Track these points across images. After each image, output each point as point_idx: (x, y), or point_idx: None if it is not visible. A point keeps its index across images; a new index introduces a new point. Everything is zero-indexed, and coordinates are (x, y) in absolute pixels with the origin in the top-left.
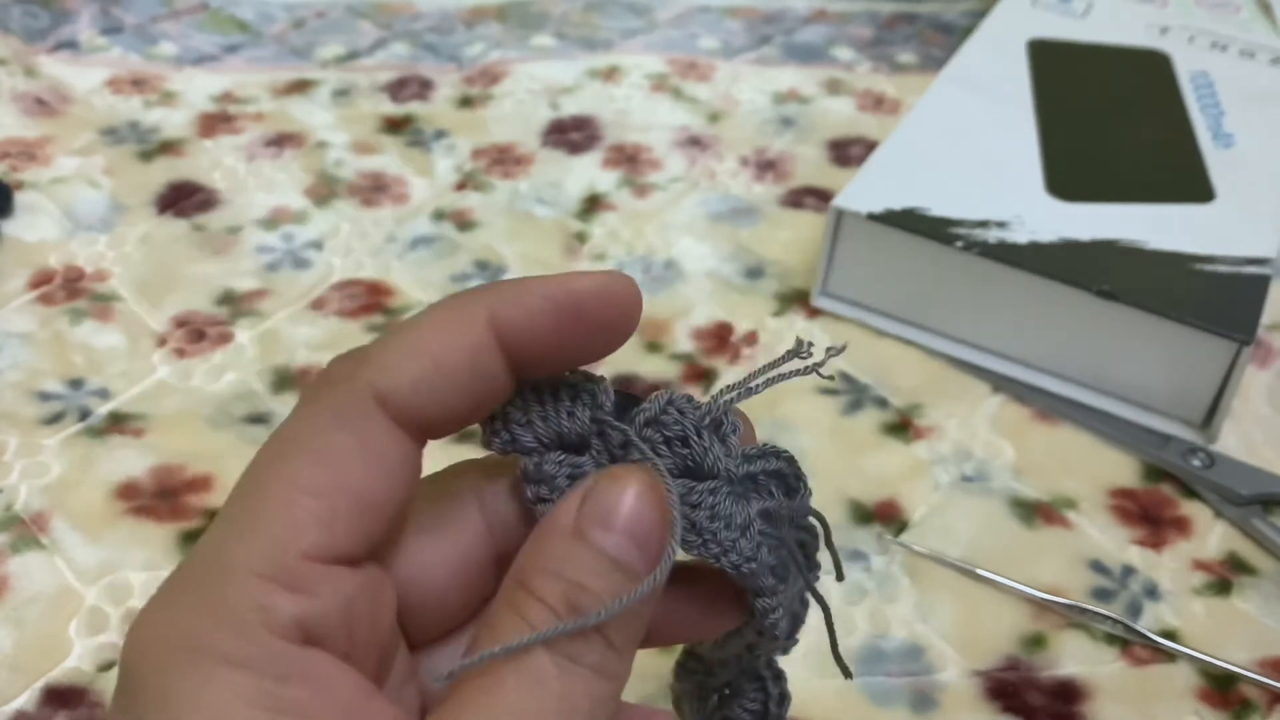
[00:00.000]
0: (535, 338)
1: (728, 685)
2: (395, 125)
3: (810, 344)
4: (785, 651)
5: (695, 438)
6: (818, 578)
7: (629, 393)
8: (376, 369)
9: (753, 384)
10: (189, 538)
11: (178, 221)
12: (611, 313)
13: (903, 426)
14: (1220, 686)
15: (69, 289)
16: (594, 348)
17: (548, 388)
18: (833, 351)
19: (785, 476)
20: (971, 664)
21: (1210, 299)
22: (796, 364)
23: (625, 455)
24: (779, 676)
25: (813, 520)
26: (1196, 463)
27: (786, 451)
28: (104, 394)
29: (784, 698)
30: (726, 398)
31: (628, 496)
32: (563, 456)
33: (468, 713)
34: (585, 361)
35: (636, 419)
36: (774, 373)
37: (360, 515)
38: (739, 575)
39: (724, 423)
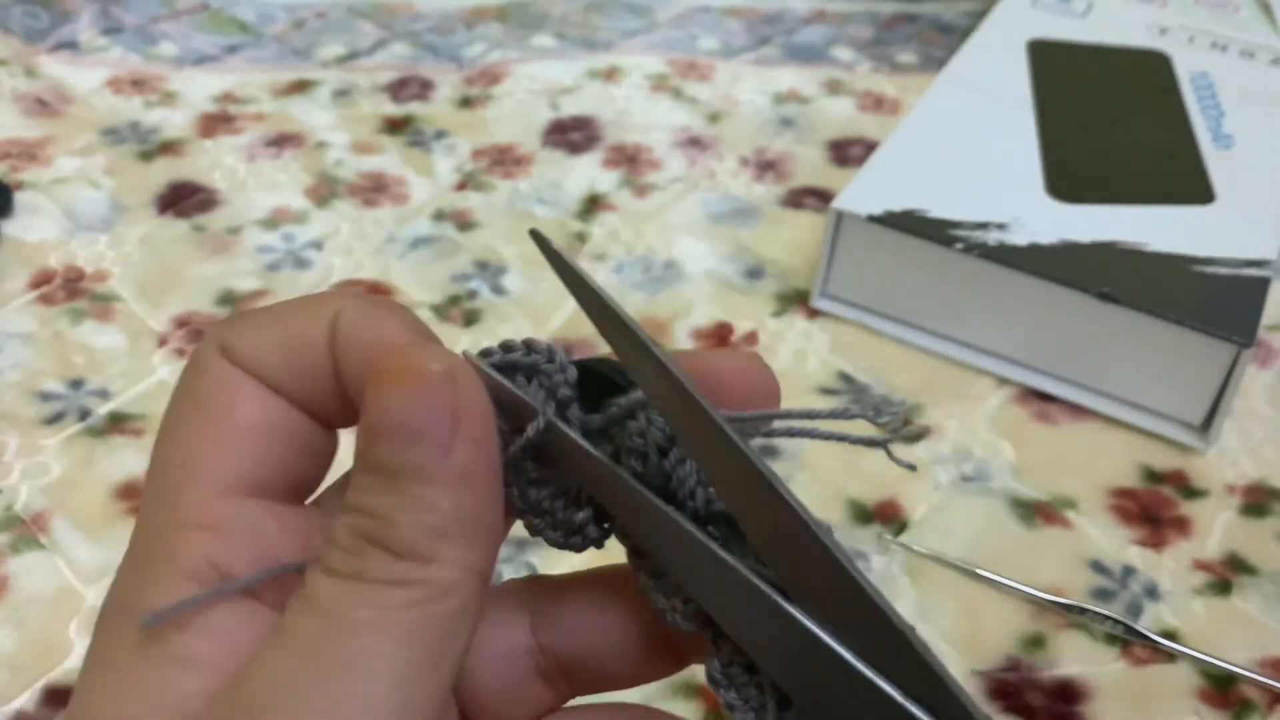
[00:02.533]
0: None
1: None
2: (395, 125)
3: (894, 408)
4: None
5: (655, 456)
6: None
7: (600, 363)
8: (227, 331)
9: (778, 425)
10: None
11: (178, 222)
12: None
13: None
14: (1220, 686)
15: (69, 289)
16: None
17: (506, 371)
18: (909, 430)
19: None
20: (971, 664)
21: (1210, 301)
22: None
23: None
24: None
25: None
26: None
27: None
28: (104, 394)
29: None
30: (725, 416)
31: (383, 394)
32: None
33: (261, 657)
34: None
35: (606, 415)
36: (814, 424)
37: (243, 442)
38: (667, 624)
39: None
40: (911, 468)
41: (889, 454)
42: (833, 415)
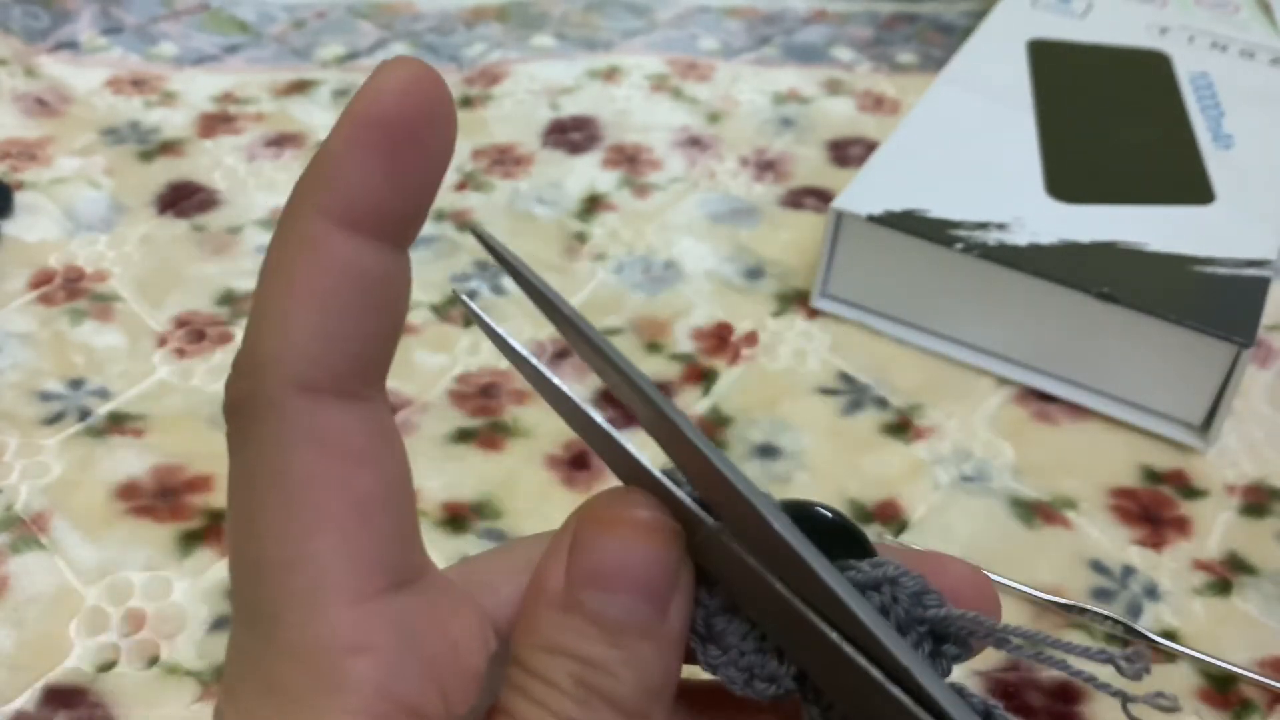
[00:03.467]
0: (375, 198)
1: None
2: None
3: (1144, 661)
4: None
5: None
6: None
7: (855, 531)
8: (273, 361)
9: (1016, 640)
10: (189, 538)
11: (178, 221)
12: (420, 107)
13: (902, 427)
14: (1220, 686)
15: (69, 289)
16: (435, 157)
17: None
18: (1161, 700)
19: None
20: (971, 664)
21: (1210, 301)
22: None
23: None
24: None
25: None
26: None
27: (990, 705)
28: (104, 394)
29: None
30: (967, 616)
31: (620, 550)
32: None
33: None
34: (442, 172)
35: (845, 572)
36: (1061, 655)
37: (371, 520)
38: None
39: (947, 641)
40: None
41: (1126, 712)
42: (1084, 653)
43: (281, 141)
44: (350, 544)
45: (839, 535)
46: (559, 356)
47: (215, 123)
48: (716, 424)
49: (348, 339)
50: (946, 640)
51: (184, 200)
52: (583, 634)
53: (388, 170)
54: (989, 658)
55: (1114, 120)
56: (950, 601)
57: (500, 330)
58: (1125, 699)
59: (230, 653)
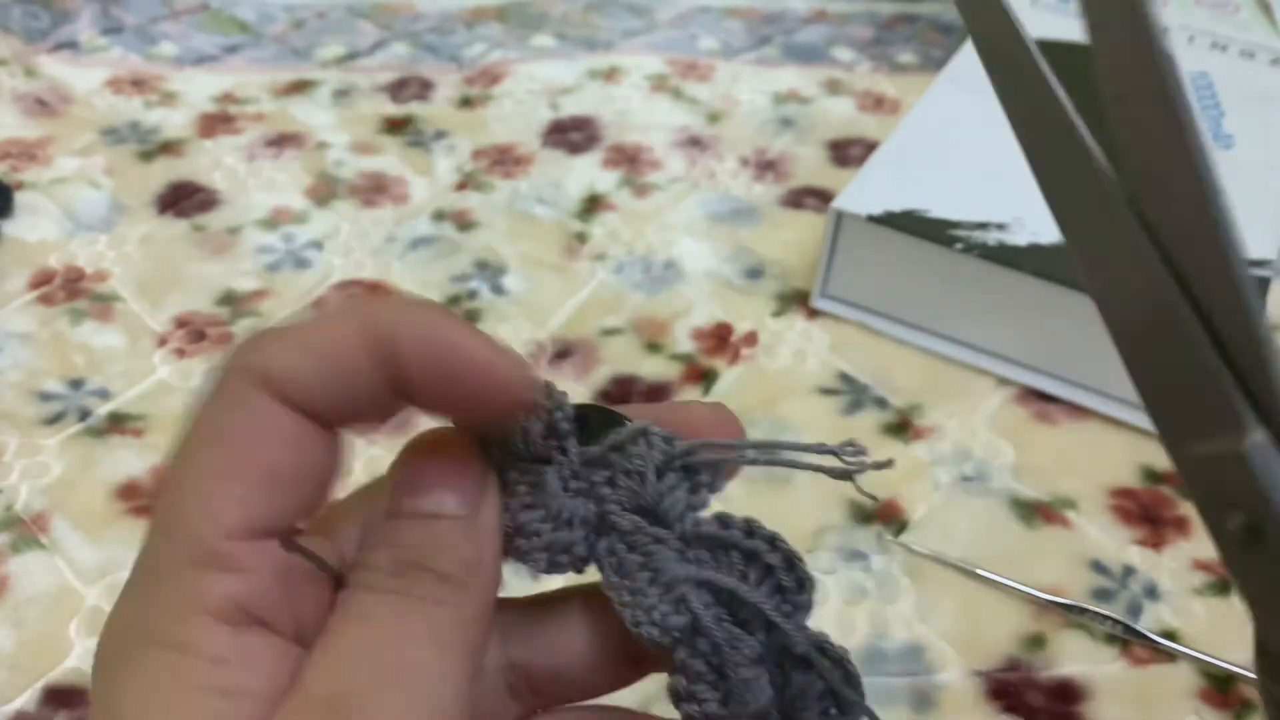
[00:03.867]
0: (419, 377)
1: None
2: (395, 125)
3: (860, 449)
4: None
5: (653, 478)
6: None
7: (600, 408)
8: (269, 364)
9: (751, 453)
10: None
11: (178, 221)
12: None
13: (902, 427)
14: (1220, 686)
15: (69, 289)
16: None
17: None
18: (872, 463)
19: (765, 563)
20: (971, 664)
21: None
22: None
23: (585, 474)
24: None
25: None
26: None
27: (783, 542)
28: (104, 394)
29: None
30: (707, 443)
31: (428, 458)
32: (525, 465)
33: (320, 664)
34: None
35: (605, 442)
36: (791, 456)
37: (271, 486)
38: (636, 635)
39: (700, 473)
40: (874, 499)
41: (858, 488)
42: (806, 449)
43: (281, 141)
44: (250, 494)
45: (606, 420)
46: (559, 357)
47: (215, 123)
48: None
49: (331, 391)
50: (700, 472)
51: (184, 200)
52: (401, 528)
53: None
54: (988, 658)
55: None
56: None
57: None
58: (850, 478)
59: (136, 561)
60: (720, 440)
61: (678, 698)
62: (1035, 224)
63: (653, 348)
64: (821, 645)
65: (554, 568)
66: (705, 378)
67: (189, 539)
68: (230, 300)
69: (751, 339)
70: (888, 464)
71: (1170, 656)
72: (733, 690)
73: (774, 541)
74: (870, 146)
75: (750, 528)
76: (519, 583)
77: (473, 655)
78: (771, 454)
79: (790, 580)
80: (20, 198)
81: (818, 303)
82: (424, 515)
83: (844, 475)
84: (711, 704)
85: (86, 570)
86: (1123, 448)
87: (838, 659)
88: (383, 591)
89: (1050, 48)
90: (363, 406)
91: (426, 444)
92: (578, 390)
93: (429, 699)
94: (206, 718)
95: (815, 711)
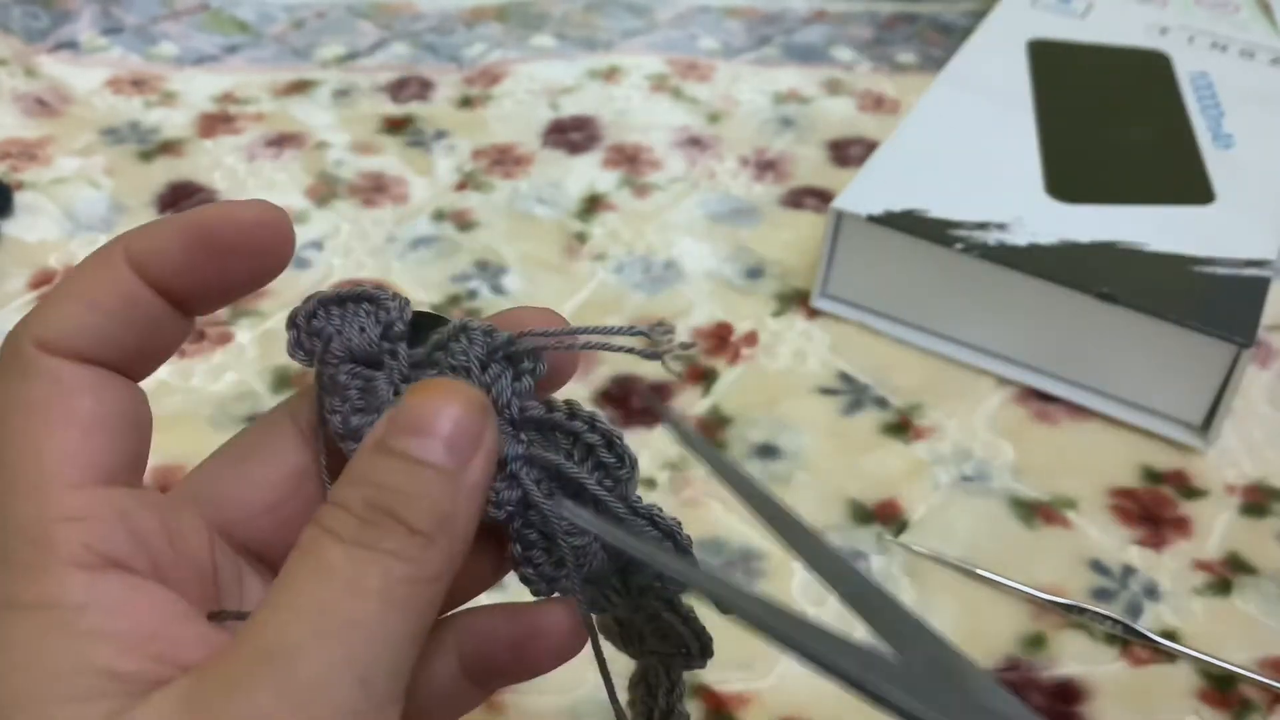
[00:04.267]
0: (173, 268)
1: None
2: (395, 125)
3: (669, 329)
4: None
5: (477, 370)
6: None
7: (434, 315)
8: (33, 324)
9: (564, 337)
10: None
11: None
12: (247, 239)
13: (902, 426)
14: (1220, 686)
15: None
16: (243, 275)
17: (349, 301)
18: (680, 344)
19: (586, 443)
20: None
21: (1210, 301)
22: (629, 340)
23: (414, 377)
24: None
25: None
26: None
27: (602, 421)
28: None
29: (701, 640)
30: (525, 334)
31: (433, 402)
32: (356, 369)
33: (265, 616)
34: (246, 290)
35: (429, 342)
36: (604, 339)
37: (87, 433)
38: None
39: (523, 361)
40: (679, 375)
41: (665, 364)
42: (616, 332)
43: (281, 141)
44: (71, 447)
45: (432, 324)
46: None
47: (215, 123)
48: (716, 424)
49: (98, 333)
50: (523, 360)
51: (184, 200)
52: (386, 467)
53: (192, 263)
54: (988, 658)
55: (1114, 120)
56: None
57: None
58: (659, 357)
59: None
60: (535, 330)
61: (515, 563)
62: (1035, 224)
63: None
64: (650, 515)
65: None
66: (705, 378)
67: (27, 500)
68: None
69: (751, 339)
70: (692, 345)
71: (1170, 656)
72: (564, 556)
73: (593, 422)
74: (870, 146)
75: (572, 410)
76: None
77: (423, 614)
78: (582, 339)
79: (610, 456)
80: (20, 198)
81: (818, 303)
82: (410, 459)
83: (653, 356)
84: (545, 567)
85: None
86: (1123, 448)
87: (667, 529)
88: (347, 542)
89: (1050, 47)
90: (153, 334)
91: (433, 388)
92: (578, 391)
93: (365, 655)
94: (75, 665)
95: (649, 575)
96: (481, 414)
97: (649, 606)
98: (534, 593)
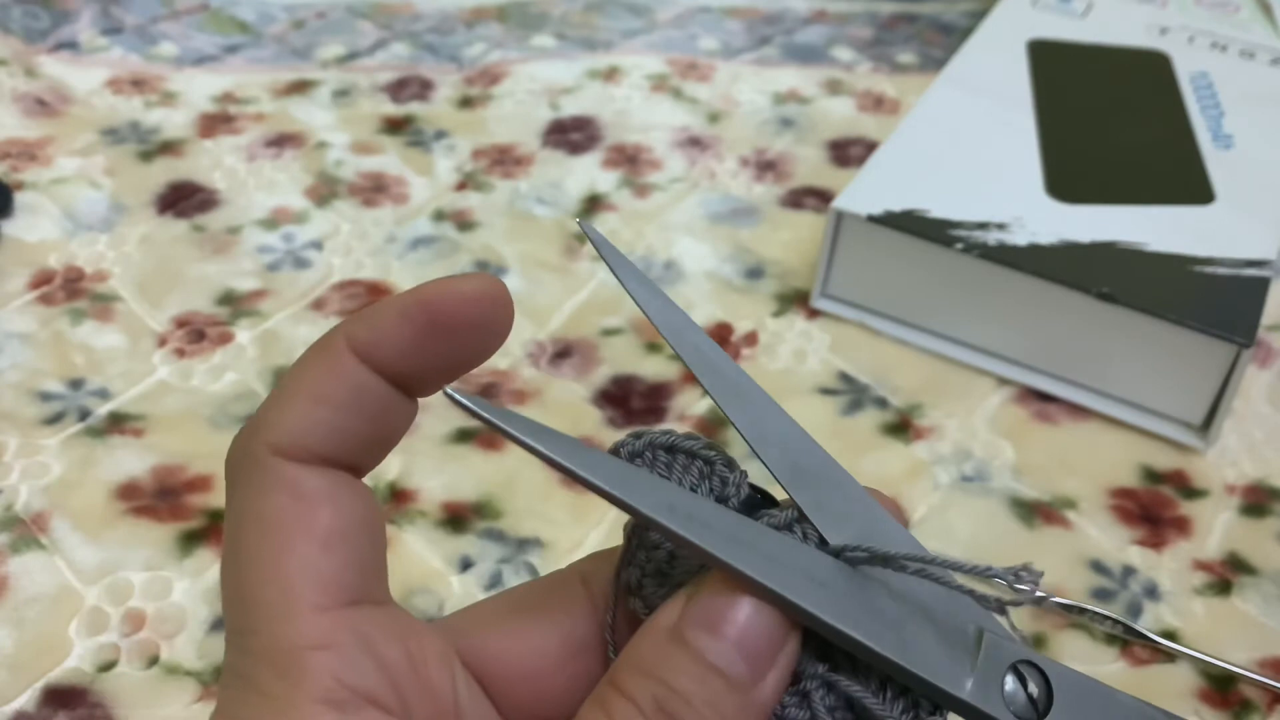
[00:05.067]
0: (398, 352)
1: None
2: (395, 125)
3: (1036, 575)
4: None
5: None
6: None
7: (766, 493)
8: (264, 427)
9: (925, 568)
10: (189, 538)
11: (178, 222)
12: (470, 313)
13: (903, 426)
14: (1220, 686)
15: (69, 289)
16: (468, 351)
17: (682, 451)
18: (1038, 598)
19: (901, 686)
20: None
21: (1210, 301)
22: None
23: None
24: None
25: None
26: None
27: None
28: (104, 394)
29: None
30: (859, 549)
31: (738, 604)
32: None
33: None
34: (470, 365)
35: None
36: (948, 575)
37: (329, 548)
38: None
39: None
40: (1023, 638)
41: (1009, 622)
42: (974, 570)
43: (281, 141)
44: (313, 565)
45: (762, 499)
46: (559, 357)
47: (215, 123)
48: (717, 424)
49: (329, 428)
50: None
51: (184, 200)
52: (678, 666)
53: (418, 344)
54: None
55: (1114, 120)
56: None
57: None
58: (1003, 609)
59: (222, 674)
60: (876, 550)
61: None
62: (1035, 224)
63: (653, 348)
64: None
65: None
66: None
67: (272, 624)
68: (230, 300)
69: (752, 339)
70: (1044, 599)
71: (1170, 656)
72: None
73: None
74: (870, 146)
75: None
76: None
77: None
78: (928, 569)
79: (927, 712)
80: (20, 198)
81: (818, 303)
82: (704, 662)
83: (1001, 608)
84: None
85: (86, 570)
86: (1123, 448)
87: None
88: None
89: (1050, 47)
90: (383, 422)
91: (736, 582)
92: (579, 391)
93: None
94: None
95: None
96: (785, 625)
97: None
98: None
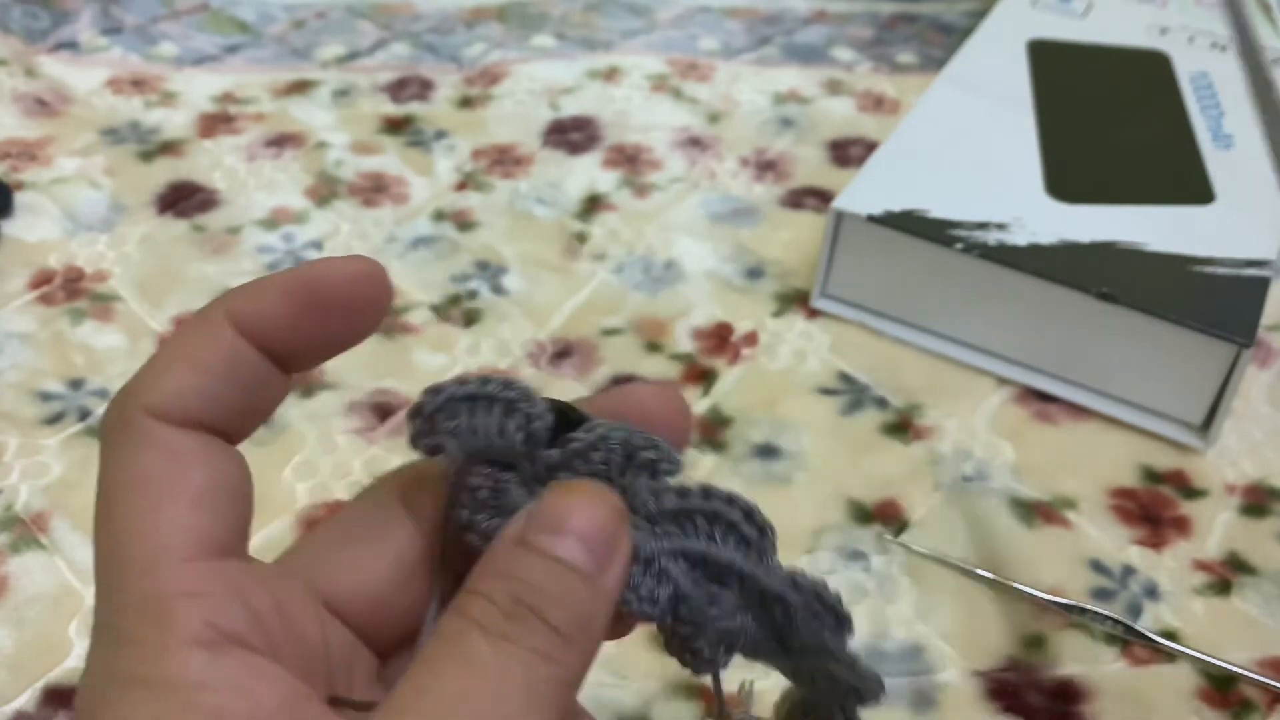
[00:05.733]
0: (276, 327)
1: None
2: (395, 125)
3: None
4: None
5: (616, 475)
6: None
7: (574, 412)
8: (140, 391)
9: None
10: None
11: (178, 222)
12: (349, 294)
13: (903, 426)
14: (1220, 686)
15: (69, 289)
16: (345, 330)
17: (483, 397)
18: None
19: (726, 520)
20: (971, 664)
21: (1210, 301)
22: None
23: (548, 479)
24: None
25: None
26: None
27: (739, 497)
28: (104, 394)
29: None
30: (663, 448)
31: (575, 504)
32: (488, 470)
33: (408, 701)
34: (346, 344)
35: (567, 446)
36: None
37: (200, 505)
38: (628, 613)
39: (659, 459)
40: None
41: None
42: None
43: (281, 141)
44: (183, 521)
45: (568, 418)
46: (559, 356)
47: (215, 123)
48: (716, 424)
49: (204, 395)
50: (657, 463)
51: (184, 200)
52: (529, 564)
53: (296, 321)
54: (988, 658)
55: (1114, 120)
56: (654, 422)
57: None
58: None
59: (93, 632)
60: (669, 453)
61: (673, 651)
62: (1035, 224)
63: (653, 348)
64: (794, 580)
65: (642, 611)
66: (705, 378)
67: (144, 577)
68: None
69: (752, 339)
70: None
71: (1170, 656)
72: (721, 640)
73: (731, 499)
74: (870, 146)
75: (707, 492)
76: None
77: (561, 716)
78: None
79: (751, 530)
80: (20, 198)
81: (818, 303)
82: (553, 557)
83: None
84: (704, 652)
85: (86, 570)
86: (1123, 448)
87: (811, 589)
88: (495, 636)
89: (1050, 47)
90: (256, 395)
91: (573, 491)
92: (579, 391)
93: None
94: None
95: (805, 634)
96: (620, 520)
97: (811, 664)
98: (695, 673)
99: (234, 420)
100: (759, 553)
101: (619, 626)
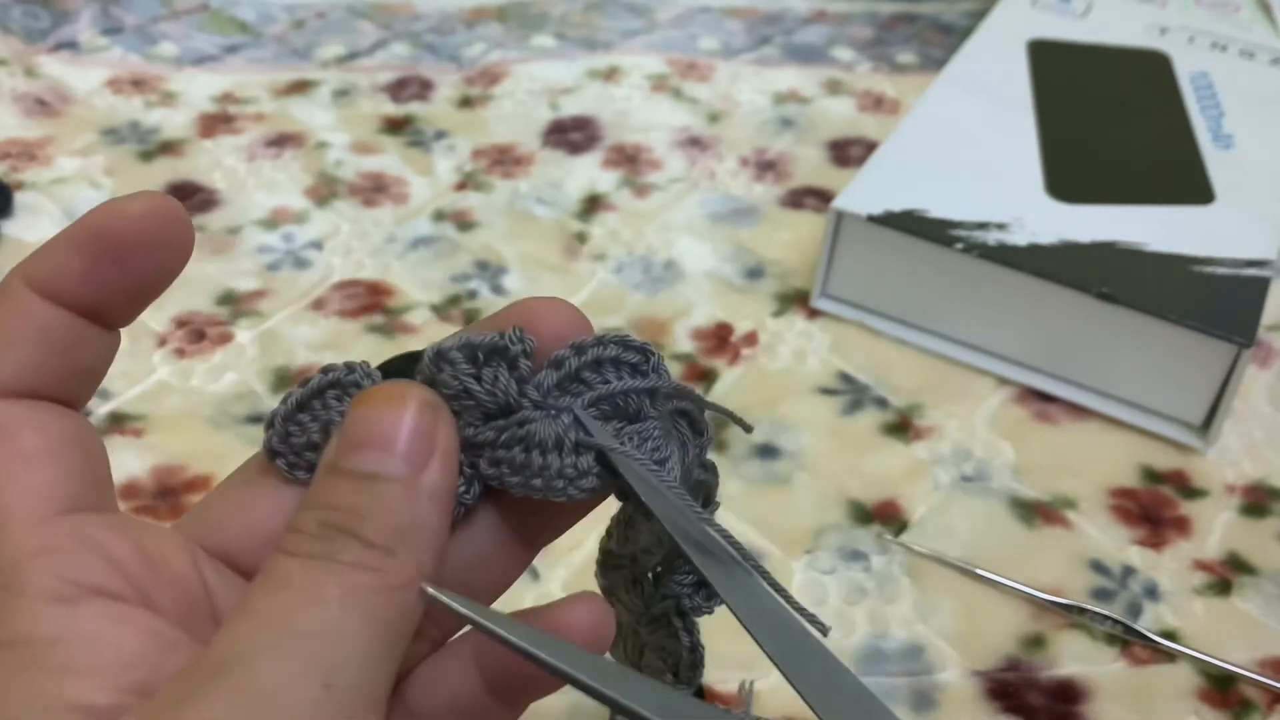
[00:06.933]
0: (76, 282)
1: (659, 564)
2: (395, 125)
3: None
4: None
5: (475, 386)
6: (705, 445)
7: (407, 357)
8: None
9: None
10: None
11: None
12: (140, 234)
13: (902, 426)
14: (1220, 686)
15: None
16: (148, 272)
17: (315, 397)
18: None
19: (618, 362)
20: (971, 664)
21: (1210, 301)
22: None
23: None
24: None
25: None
26: None
27: (618, 335)
28: (104, 394)
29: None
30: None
31: (372, 414)
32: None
33: (222, 630)
34: (158, 287)
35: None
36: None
37: (45, 467)
38: (569, 499)
39: (509, 349)
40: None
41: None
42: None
43: (281, 141)
44: (20, 482)
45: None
46: None
47: (215, 123)
48: (716, 424)
49: (19, 366)
50: (511, 349)
51: (184, 200)
52: (336, 488)
53: (92, 272)
54: (988, 658)
55: (1114, 120)
56: (540, 328)
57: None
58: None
59: None
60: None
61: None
62: (1035, 224)
63: None
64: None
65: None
66: (705, 378)
67: None
68: (230, 300)
69: (751, 339)
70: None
71: (1170, 656)
72: (662, 467)
73: (601, 341)
74: (870, 146)
75: (578, 348)
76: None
77: (394, 620)
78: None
79: (633, 356)
80: (20, 198)
81: (818, 303)
82: (361, 475)
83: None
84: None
85: None
86: (1123, 448)
87: (688, 396)
88: (302, 556)
89: (1050, 47)
90: (65, 359)
91: (377, 397)
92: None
93: (329, 661)
94: (47, 702)
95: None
96: (431, 412)
97: (661, 609)
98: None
99: (62, 384)
100: (655, 373)
101: (566, 518)
